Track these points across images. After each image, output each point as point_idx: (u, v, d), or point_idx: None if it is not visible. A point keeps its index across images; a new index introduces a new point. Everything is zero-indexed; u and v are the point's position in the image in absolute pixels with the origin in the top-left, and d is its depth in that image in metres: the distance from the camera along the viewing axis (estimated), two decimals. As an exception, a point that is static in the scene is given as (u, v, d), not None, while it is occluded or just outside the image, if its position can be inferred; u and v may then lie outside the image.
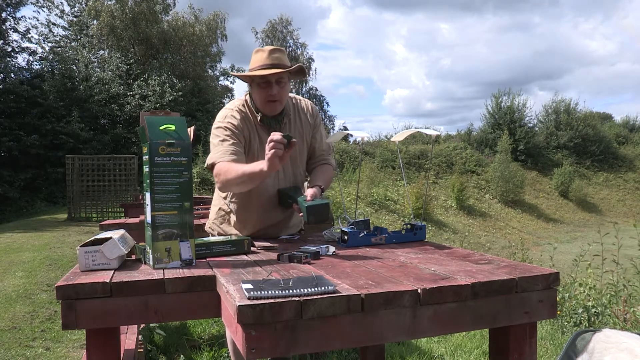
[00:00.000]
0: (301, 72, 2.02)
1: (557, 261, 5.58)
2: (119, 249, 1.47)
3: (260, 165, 1.67)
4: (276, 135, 1.61)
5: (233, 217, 2.13)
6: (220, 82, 25.37)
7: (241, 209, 2.10)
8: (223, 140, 1.95)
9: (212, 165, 1.92)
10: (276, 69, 1.93)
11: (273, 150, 1.59)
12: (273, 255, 1.66)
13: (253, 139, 2.03)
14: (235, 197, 2.10)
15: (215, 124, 2.03)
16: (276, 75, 1.94)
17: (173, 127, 1.51)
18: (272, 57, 1.96)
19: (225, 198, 2.15)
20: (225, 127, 1.98)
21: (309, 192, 1.88)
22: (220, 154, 1.91)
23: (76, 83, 17.55)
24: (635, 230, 4.36)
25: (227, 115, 2.03)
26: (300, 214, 1.87)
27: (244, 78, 2.03)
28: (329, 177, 2.16)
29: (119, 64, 18.84)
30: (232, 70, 25.80)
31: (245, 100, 2.09)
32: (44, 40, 20.74)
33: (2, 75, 16.77)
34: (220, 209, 2.19)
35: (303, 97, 2.37)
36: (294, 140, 1.63)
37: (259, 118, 2.04)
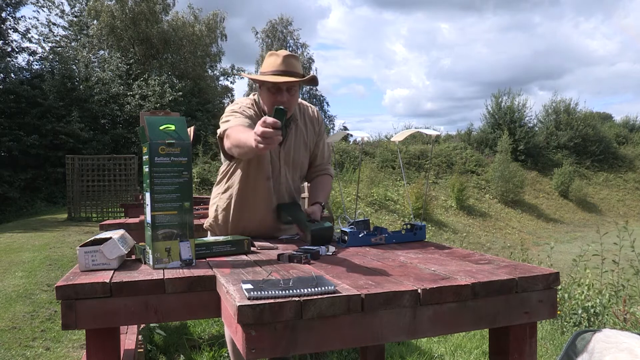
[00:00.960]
0: (313, 81, 2.01)
1: (557, 261, 5.59)
2: (119, 249, 1.47)
3: (252, 141, 1.47)
4: (268, 122, 1.38)
5: (230, 216, 2.13)
6: (220, 82, 25.39)
7: (237, 209, 2.11)
8: (238, 118, 1.95)
9: (224, 132, 1.89)
10: (289, 77, 1.92)
11: (261, 144, 1.40)
12: (273, 255, 1.66)
13: None
14: (232, 195, 2.12)
15: (229, 110, 2.02)
16: (288, 83, 1.93)
17: (173, 127, 1.51)
18: (285, 64, 1.95)
19: (224, 193, 2.16)
20: (240, 112, 1.99)
21: (310, 211, 1.91)
22: (236, 122, 1.89)
23: (76, 83, 17.55)
24: (634, 230, 4.36)
25: (241, 106, 2.04)
26: (301, 232, 1.89)
27: (255, 80, 2.03)
28: (328, 190, 2.18)
29: (119, 64, 18.84)
30: (232, 70, 25.77)
31: (254, 100, 2.10)
32: (44, 40, 20.75)
33: (2, 75, 16.77)
34: (217, 207, 2.19)
35: (303, 97, 2.38)
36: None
37: None
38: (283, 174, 2.09)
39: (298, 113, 2.14)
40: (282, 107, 1.41)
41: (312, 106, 2.25)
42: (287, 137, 2.08)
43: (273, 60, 1.96)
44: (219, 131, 1.96)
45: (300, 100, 2.19)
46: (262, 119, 1.40)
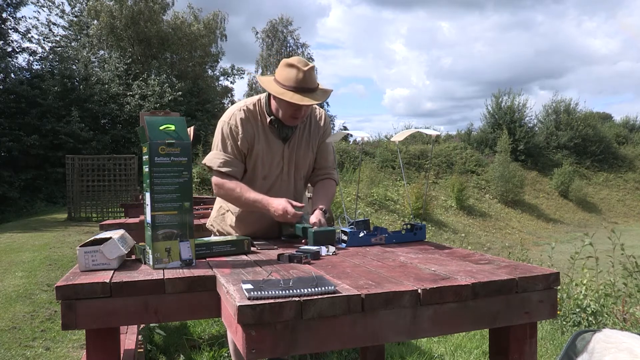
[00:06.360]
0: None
1: (556, 261, 5.57)
2: (119, 249, 1.47)
3: (269, 208, 1.92)
4: (292, 214, 1.87)
5: (232, 216, 2.15)
6: (220, 82, 25.38)
7: (235, 210, 2.13)
8: (224, 146, 2.01)
9: (210, 168, 2.04)
10: (311, 100, 1.89)
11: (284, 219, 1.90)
12: (273, 255, 1.66)
13: (257, 141, 2.03)
14: None
15: (221, 121, 2.05)
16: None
17: (173, 127, 1.51)
18: (308, 80, 1.90)
19: None
20: (230, 129, 2.01)
21: (313, 217, 1.91)
22: (219, 163, 2.01)
23: (76, 83, 17.55)
24: (634, 230, 4.34)
25: (235, 113, 2.03)
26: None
27: (274, 94, 1.93)
28: (331, 194, 2.19)
29: (119, 64, 18.83)
30: (232, 70, 25.71)
31: (259, 100, 2.08)
32: (44, 40, 20.74)
33: (2, 75, 16.75)
34: (221, 206, 2.23)
35: None
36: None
37: (268, 120, 2.03)
38: (285, 172, 2.10)
39: None
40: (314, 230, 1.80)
41: (320, 108, 2.24)
42: (292, 135, 2.08)
43: (294, 74, 1.90)
44: (207, 162, 2.04)
45: None
46: (286, 210, 1.88)
